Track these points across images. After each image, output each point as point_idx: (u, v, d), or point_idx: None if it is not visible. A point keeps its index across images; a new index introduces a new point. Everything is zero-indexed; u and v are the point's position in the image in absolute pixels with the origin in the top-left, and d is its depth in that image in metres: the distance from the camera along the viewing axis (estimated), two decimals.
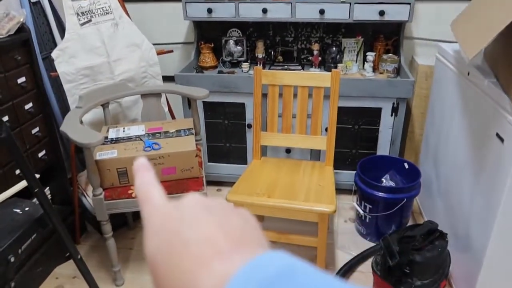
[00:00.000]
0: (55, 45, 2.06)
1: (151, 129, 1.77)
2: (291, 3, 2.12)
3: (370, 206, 1.96)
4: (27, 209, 1.09)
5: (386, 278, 1.51)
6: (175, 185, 1.64)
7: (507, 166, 1.25)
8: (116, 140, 1.67)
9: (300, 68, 2.39)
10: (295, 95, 1.85)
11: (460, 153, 1.62)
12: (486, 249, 1.36)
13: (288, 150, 2.33)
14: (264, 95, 2.03)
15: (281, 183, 1.77)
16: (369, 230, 2.04)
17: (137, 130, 1.76)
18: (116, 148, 1.61)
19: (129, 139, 1.69)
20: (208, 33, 2.49)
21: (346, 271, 1.81)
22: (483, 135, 1.41)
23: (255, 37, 2.48)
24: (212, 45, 2.43)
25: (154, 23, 2.53)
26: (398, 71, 2.24)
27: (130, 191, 1.61)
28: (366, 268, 1.87)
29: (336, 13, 2.11)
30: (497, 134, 1.31)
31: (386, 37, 2.31)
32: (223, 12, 2.21)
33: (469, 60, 1.16)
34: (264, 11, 2.16)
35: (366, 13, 2.08)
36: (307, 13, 2.13)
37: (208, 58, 2.44)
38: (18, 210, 1.07)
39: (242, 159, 2.42)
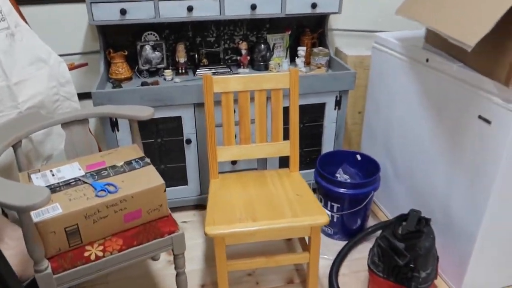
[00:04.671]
0: None
1: (90, 165, 1.37)
2: None
3: (338, 205, 1.90)
4: None
5: (391, 277, 1.46)
6: (143, 231, 1.30)
7: (497, 146, 1.30)
8: (51, 189, 1.24)
9: (229, 70, 2.19)
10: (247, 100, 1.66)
11: (425, 140, 1.65)
12: (477, 234, 1.42)
13: (233, 161, 2.12)
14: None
15: (258, 201, 1.57)
16: (336, 229, 1.98)
17: (71, 170, 1.35)
18: (56, 201, 1.19)
19: (68, 184, 1.27)
20: (116, 39, 2.09)
21: (336, 278, 1.71)
22: (459, 118, 1.45)
23: (172, 40, 2.18)
24: (126, 53, 2.05)
25: (46, 30, 2.00)
26: (329, 64, 2.23)
27: (86, 253, 1.21)
28: (345, 269, 1.80)
29: (269, 8, 1.97)
30: (480, 116, 1.35)
31: (311, 30, 2.27)
32: (140, 13, 1.86)
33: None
34: (190, 9, 1.89)
35: (299, 7, 2.00)
36: (237, 9, 1.94)
37: (121, 69, 2.05)
38: None
39: (181, 179, 2.11)
